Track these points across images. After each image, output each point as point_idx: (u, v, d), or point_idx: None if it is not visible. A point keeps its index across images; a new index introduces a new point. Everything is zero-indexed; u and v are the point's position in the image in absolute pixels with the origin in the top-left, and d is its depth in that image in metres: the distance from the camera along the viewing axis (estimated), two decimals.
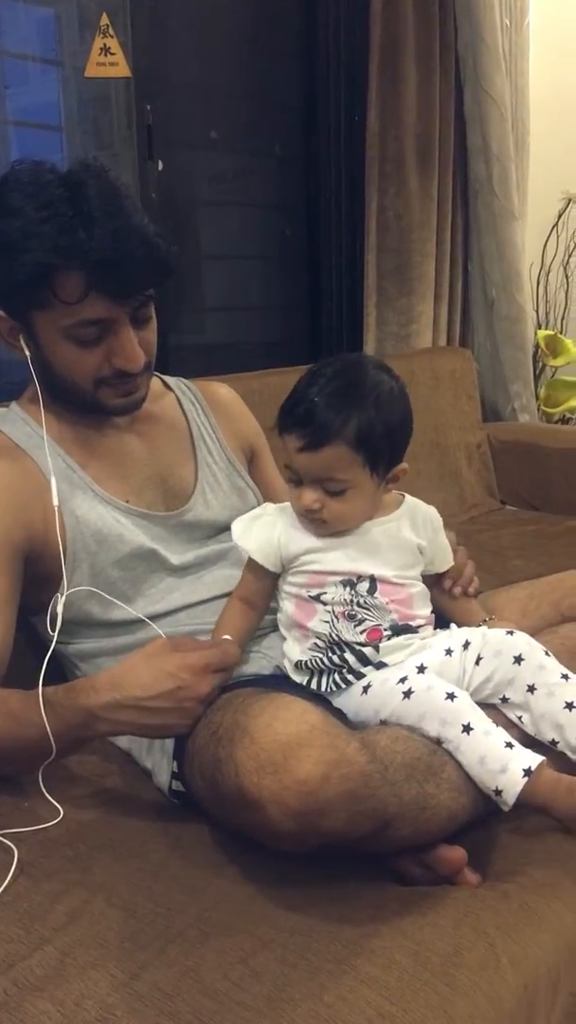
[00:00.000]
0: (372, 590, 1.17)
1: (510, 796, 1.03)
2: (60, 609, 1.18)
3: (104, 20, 2.11)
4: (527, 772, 1.03)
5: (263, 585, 1.23)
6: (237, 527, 1.23)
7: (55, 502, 1.21)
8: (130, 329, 1.21)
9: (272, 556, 1.20)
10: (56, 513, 1.22)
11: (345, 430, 1.11)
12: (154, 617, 1.26)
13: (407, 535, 1.22)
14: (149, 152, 2.29)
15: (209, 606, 1.29)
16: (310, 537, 1.19)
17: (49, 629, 1.17)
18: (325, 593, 1.17)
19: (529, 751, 1.06)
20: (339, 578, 1.17)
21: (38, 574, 1.24)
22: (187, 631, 1.24)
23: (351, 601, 1.16)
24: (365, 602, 1.17)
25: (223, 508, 1.38)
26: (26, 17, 2.18)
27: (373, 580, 1.17)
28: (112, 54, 2.13)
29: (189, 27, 2.39)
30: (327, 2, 2.54)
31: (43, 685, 1.09)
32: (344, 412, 1.11)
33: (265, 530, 1.21)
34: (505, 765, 1.04)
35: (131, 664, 1.09)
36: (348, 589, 1.17)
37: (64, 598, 1.20)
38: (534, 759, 1.04)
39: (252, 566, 1.22)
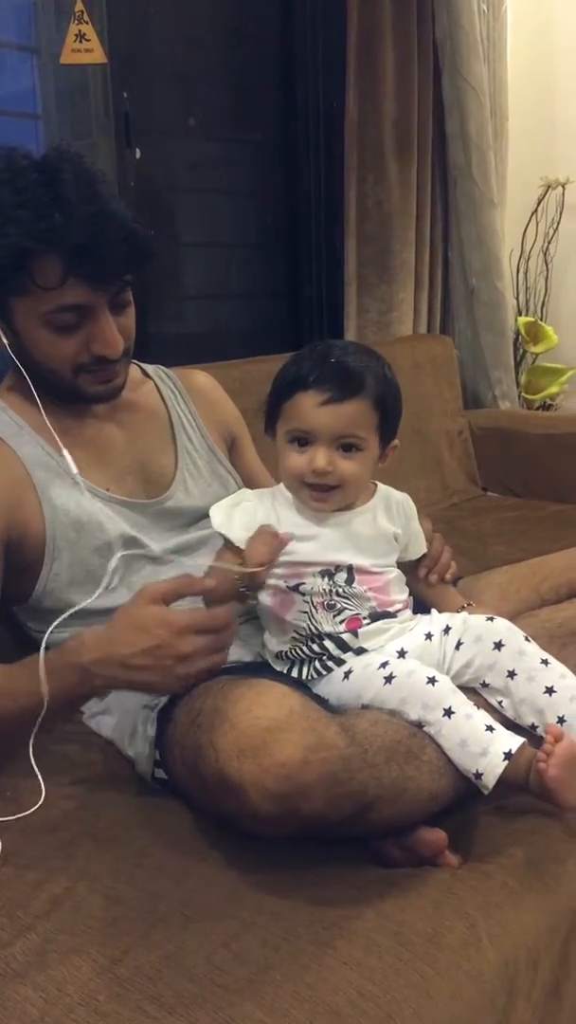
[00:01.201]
0: (350, 580, 1.17)
1: (490, 779, 1.04)
2: (113, 564, 1.20)
3: (79, 6, 2.09)
4: (507, 755, 1.03)
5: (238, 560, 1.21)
6: (217, 515, 1.22)
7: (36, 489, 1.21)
8: (108, 315, 1.21)
9: None
10: (36, 497, 1.22)
11: (368, 386, 1.15)
12: None
13: (383, 523, 1.22)
14: (127, 140, 2.28)
15: None
16: (291, 525, 1.19)
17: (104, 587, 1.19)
18: (303, 583, 1.17)
19: (510, 733, 1.06)
20: (317, 568, 1.17)
21: (18, 563, 1.23)
22: None
23: (330, 591, 1.16)
24: (344, 591, 1.17)
25: (203, 495, 1.37)
26: (2, 3, 2.16)
27: (351, 570, 1.17)
28: (87, 40, 2.11)
29: (166, 13, 2.37)
30: None
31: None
32: (364, 371, 1.15)
33: (247, 516, 1.20)
34: (486, 748, 1.04)
35: (115, 621, 1.09)
36: (326, 579, 1.17)
37: (115, 561, 1.22)
38: (515, 741, 1.05)
39: (233, 550, 1.21)
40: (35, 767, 1.11)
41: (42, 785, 1.11)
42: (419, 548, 1.27)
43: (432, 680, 1.08)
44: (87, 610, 1.26)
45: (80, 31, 2.11)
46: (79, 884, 0.99)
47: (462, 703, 1.08)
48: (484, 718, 1.07)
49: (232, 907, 0.95)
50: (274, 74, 2.67)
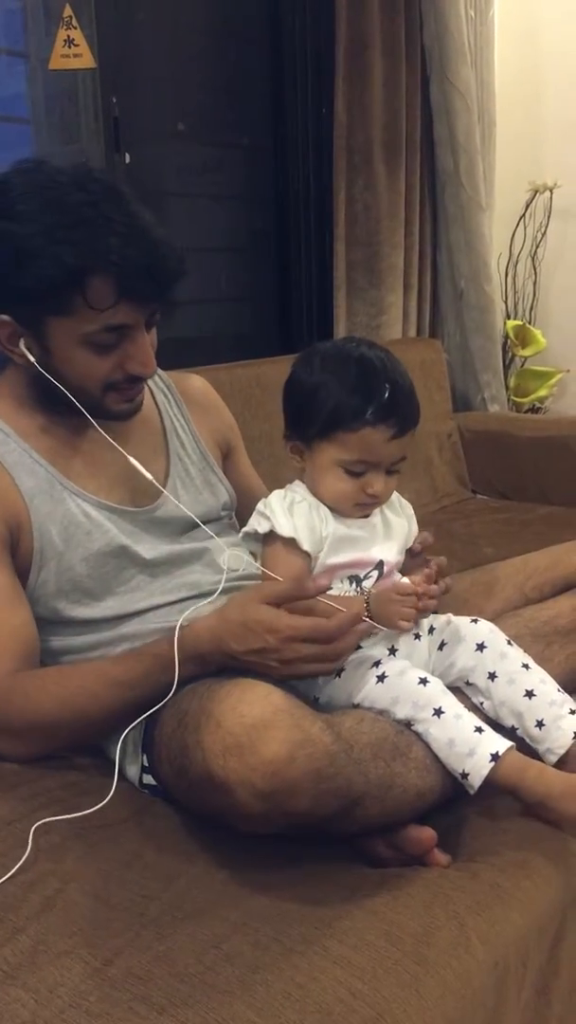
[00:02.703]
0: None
1: (476, 779, 1.04)
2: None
3: (67, 12, 2.10)
4: (494, 757, 1.04)
5: (306, 563, 1.18)
6: (283, 521, 1.16)
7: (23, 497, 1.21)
8: (145, 334, 1.20)
9: (317, 540, 1.17)
10: (24, 505, 1.21)
11: (418, 412, 1.19)
12: (123, 616, 1.25)
13: (392, 518, 1.24)
14: (116, 145, 2.28)
15: (177, 607, 1.25)
16: (335, 524, 1.18)
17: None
18: (331, 589, 1.14)
19: (499, 736, 1.07)
20: (346, 572, 1.17)
21: None
22: (155, 628, 1.22)
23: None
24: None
25: (194, 504, 1.34)
26: None
27: (381, 565, 1.18)
28: (76, 46, 2.12)
29: (155, 18, 2.38)
30: None
31: None
32: (414, 395, 1.19)
33: (304, 519, 1.17)
34: (473, 749, 1.05)
35: (228, 613, 1.11)
36: (353, 584, 1.17)
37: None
38: (502, 744, 1.05)
39: (291, 549, 1.16)
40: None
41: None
42: (413, 534, 1.28)
43: (423, 681, 1.09)
44: (76, 620, 1.25)
45: (69, 36, 2.11)
46: (69, 886, 0.99)
47: (452, 704, 1.08)
48: (473, 719, 1.08)
49: (222, 908, 0.95)
50: (263, 79, 2.67)
